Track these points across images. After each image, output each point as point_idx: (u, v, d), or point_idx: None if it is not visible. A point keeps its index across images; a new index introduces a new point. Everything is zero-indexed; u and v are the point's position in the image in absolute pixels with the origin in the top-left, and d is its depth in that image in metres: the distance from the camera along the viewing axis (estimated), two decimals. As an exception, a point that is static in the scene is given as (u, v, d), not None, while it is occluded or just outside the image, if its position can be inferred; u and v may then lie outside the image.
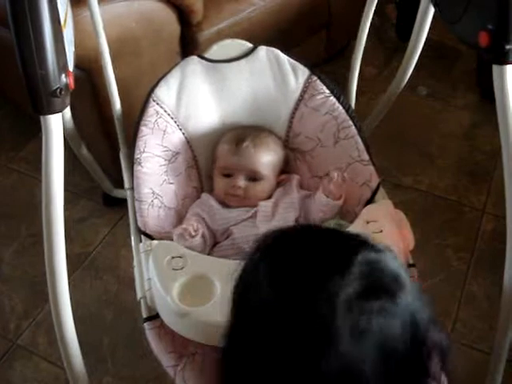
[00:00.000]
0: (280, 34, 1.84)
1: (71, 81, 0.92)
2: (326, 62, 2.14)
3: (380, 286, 0.65)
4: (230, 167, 1.31)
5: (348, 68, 1.99)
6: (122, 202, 1.82)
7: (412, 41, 1.54)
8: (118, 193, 1.83)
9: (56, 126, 0.92)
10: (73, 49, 1.02)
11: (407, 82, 1.66)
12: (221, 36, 1.66)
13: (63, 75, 0.89)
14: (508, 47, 0.94)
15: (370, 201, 1.27)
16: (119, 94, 1.40)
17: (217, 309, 1.03)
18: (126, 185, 1.33)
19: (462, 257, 1.79)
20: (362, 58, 1.76)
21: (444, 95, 2.21)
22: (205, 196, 1.33)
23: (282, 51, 1.39)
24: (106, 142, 1.65)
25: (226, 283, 1.03)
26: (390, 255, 0.68)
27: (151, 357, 1.23)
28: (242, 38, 1.42)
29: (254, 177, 1.31)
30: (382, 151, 1.31)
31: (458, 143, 2.14)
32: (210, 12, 1.69)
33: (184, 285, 1.07)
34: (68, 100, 0.92)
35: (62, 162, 0.95)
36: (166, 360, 1.10)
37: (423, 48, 1.59)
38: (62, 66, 0.89)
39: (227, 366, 0.74)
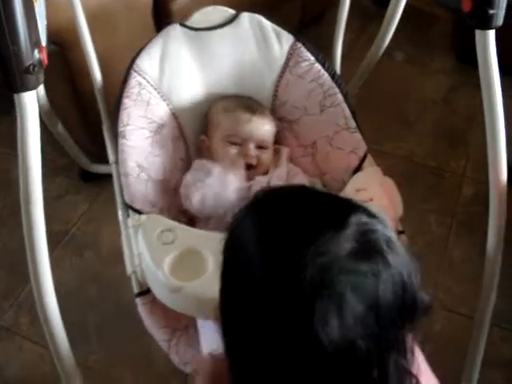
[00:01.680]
0: (256, 4, 1.80)
1: (44, 56, 0.87)
2: (300, 31, 2.12)
3: (372, 247, 0.64)
4: (241, 135, 1.29)
5: (323, 37, 1.97)
6: (100, 177, 1.82)
7: (391, 5, 1.52)
8: (95, 168, 1.81)
9: (30, 103, 0.88)
10: (45, 22, 0.97)
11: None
12: (195, 4, 1.62)
13: (36, 51, 0.85)
14: (491, 12, 0.93)
15: (358, 168, 1.26)
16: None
17: (209, 283, 1.00)
18: (111, 159, 1.29)
19: (443, 221, 1.81)
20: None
21: (421, 60, 2.21)
22: (199, 162, 1.29)
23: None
24: (81, 116, 1.62)
25: (218, 257, 1.04)
26: (381, 220, 0.67)
27: (138, 333, 1.23)
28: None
29: (261, 145, 1.30)
30: (360, 118, 1.30)
31: (436, 108, 2.15)
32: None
33: (175, 259, 1.06)
34: (42, 77, 0.88)
35: (39, 141, 0.91)
36: (158, 334, 1.09)
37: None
38: (35, 42, 0.85)
39: (224, 328, 0.72)
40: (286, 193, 0.73)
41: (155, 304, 1.09)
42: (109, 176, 1.76)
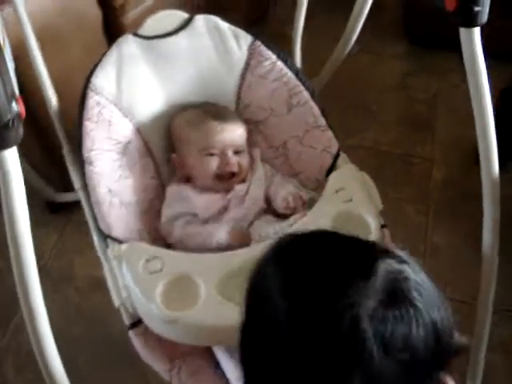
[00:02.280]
0: (205, 7, 1.76)
1: (22, 108, 0.81)
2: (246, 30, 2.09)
3: (402, 297, 0.61)
4: (218, 146, 1.24)
5: (269, 33, 1.94)
6: (66, 207, 1.76)
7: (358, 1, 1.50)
8: (61, 197, 1.74)
9: (12, 160, 0.81)
10: (13, 66, 0.91)
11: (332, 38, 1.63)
12: (147, 16, 1.57)
13: (13, 103, 0.78)
14: (476, 9, 0.92)
15: (332, 167, 1.25)
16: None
17: (205, 310, 1.00)
18: (76, 184, 1.22)
19: (419, 209, 1.81)
20: (283, 20, 1.70)
21: (374, 49, 2.20)
22: (173, 189, 1.25)
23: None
24: (40, 145, 1.55)
25: (209, 280, 1.02)
26: (411, 264, 0.66)
27: (132, 361, 1.17)
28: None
29: (238, 150, 1.26)
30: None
31: (396, 95, 2.15)
32: (132, -9, 1.58)
33: (166, 288, 1.02)
34: (21, 130, 0.81)
35: (25, 199, 0.85)
36: (158, 365, 1.06)
37: (346, 4, 1.55)
38: (11, 93, 0.78)
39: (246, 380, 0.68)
40: (310, 239, 0.70)
41: (149, 334, 1.06)
42: (74, 204, 1.71)
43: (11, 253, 0.87)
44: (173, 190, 1.25)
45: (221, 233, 1.15)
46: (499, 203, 1.13)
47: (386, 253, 0.65)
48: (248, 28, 1.87)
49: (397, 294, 0.61)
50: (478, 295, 1.25)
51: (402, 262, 0.64)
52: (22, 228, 0.85)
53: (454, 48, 2.26)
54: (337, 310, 0.59)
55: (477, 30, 0.95)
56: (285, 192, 1.21)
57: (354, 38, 1.54)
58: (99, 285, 1.56)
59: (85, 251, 1.67)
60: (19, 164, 0.83)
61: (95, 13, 1.52)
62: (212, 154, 1.24)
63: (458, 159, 1.95)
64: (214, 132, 1.24)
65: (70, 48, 1.47)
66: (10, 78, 0.79)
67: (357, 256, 0.64)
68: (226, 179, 1.24)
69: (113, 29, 1.57)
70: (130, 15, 1.58)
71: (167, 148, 1.31)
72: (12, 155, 0.81)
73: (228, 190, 1.23)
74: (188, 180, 1.27)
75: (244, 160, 1.27)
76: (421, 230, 1.76)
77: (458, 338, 0.66)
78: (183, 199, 1.22)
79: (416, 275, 0.64)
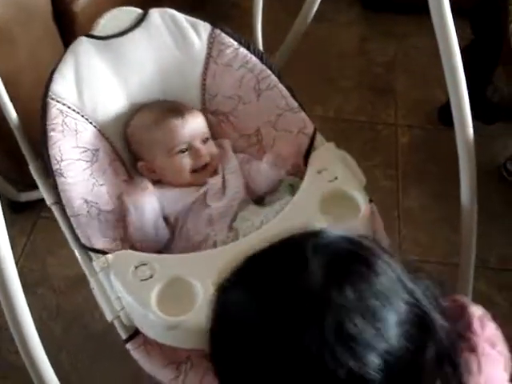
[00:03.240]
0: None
1: None
2: (198, 2, 2.03)
3: (344, 259, 0.64)
4: (185, 140, 1.21)
5: (220, 5, 1.89)
6: (31, 206, 1.69)
7: None
8: (25, 196, 1.68)
9: None
10: None
11: (286, 9, 1.61)
12: (97, 3, 1.49)
13: None
14: None
15: (310, 148, 1.22)
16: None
17: (204, 310, 0.93)
18: (49, 200, 1.16)
19: (389, 174, 1.83)
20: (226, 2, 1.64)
21: (327, 15, 2.18)
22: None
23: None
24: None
25: (204, 279, 0.99)
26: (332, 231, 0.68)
27: (114, 358, 1.15)
28: (121, 1, 1.27)
29: (204, 139, 1.24)
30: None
31: (354, 61, 2.15)
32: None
33: (160, 294, 0.99)
34: None
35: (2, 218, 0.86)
36: (164, 375, 1.02)
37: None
38: None
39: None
40: (246, 267, 0.71)
41: (149, 344, 1.02)
42: (39, 202, 1.65)
43: None
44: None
45: None
46: (475, 162, 1.14)
47: (311, 235, 0.67)
48: (193, 10, 1.83)
49: (336, 260, 0.63)
50: (457, 256, 1.27)
51: (320, 233, 0.67)
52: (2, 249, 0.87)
53: (407, 11, 2.29)
54: (293, 303, 0.61)
55: None
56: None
57: (314, 10, 1.52)
58: (76, 283, 1.55)
59: (57, 250, 1.64)
60: None
61: (44, 2, 1.43)
62: (182, 151, 1.21)
63: (421, 121, 1.98)
64: (178, 128, 1.20)
65: (19, 42, 1.39)
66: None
67: (290, 254, 0.67)
68: (201, 169, 1.22)
69: (63, 18, 1.49)
70: (80, 2, 1.49)
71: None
72: None
73: (202, 184, 1.21)
74: (159, 182, 1.24)
75: (212, 148, 1.24)
76: (392, 196, 1.78)
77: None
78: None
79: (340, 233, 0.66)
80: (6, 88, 1.20)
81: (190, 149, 1.21)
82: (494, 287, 1.60)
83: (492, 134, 1.87)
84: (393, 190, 1.79)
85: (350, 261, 0.63)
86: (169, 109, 1.24)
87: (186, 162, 1.21)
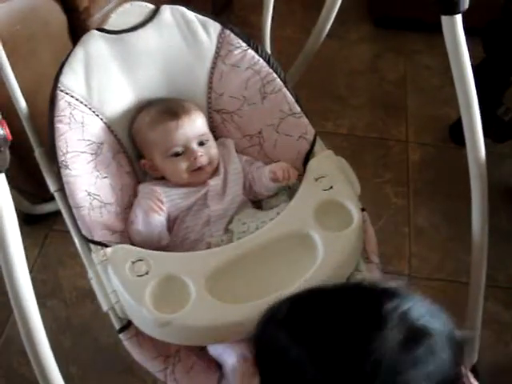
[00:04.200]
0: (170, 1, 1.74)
1: (7, 131, 0.77)
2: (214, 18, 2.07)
3: (416, 331, 0.65)
4: (180, 143, 1.22)
5: (236, 21, 1.91)
6: (43, 218, 1.72)
7: None
8: (39, 209, 1.70)
9: (1, 187, 0.79)
10: None
11: (298, 27, 1.61)
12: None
13: None
14: None
15: (309, 153, 1.25)
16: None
17: (196, 310, 1.00)
18: (53, 187, 1.18)
19: (400, 192, 1.83)
20: (249, 9, 1.65)
21: (338, 32, 2.19)
22: (144, 187, 1.23)
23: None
24: (13, 157, 1.49)
25: (198, 279, 1.02)
26: (414, 298, 0.68)
27: (124, 370, 1.13)
28: None
29: (202, 140, 1.24)
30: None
31: (365, 78, 2.15)
32: (95, -6, 1.50)
33: (155, 290, 1.02)
34: (8, 154, 0.78)
35: (17, 224, 0.84)
36: (152, 366, 1.05)
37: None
38: None
39: None
40: (309, 302, 0.71)
41: (141, 336, 1.05)
42: (52, 215, 1.67)
43: (5, 278, 0.86)
44: (143, 189, 1.22)
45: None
46: (487, 183, 1.14)
47: (386, 292, 0.68)
48: (215, 16, 1.85)
49: (410, 332, 0.63)
50: (465, 274, 1.27)
51: (401, 294, 0.67)
52: (16, 255, 0.85)
53: (417, 29, 2.30)
54: (364, 363, 0.61)
55: (459, 17, 0.95)
56: (274, 165, 1.22)
57: (328, 27, 1.54)
58: (86, 295, 1.58)
59: (68, 262, 1.67)
60: (8, 190, 0.80)
61: (60, 18, 1.46)
62: (178, 154, 1.22)
63: (432, 139, 1.98)
64: (172, 130, 1.22)
65: (37, 57, 1.42)
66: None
67: (362, 306, 0.66)
68: (199, 170, 1.22)
69: (79, 33, 1.50)
70: (96, 18, 1.51)
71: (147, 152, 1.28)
72: (1, 181, 0.79)
73: (203, 184, 1.22)
74: (163, 178, 1.26)
75: (212, 149, 1.25)
76: (403, 213, 1.77)
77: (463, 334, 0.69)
78: (151, 196, 1.18)
79: (416, 303, 0.67)
80: (27, 95, 1.22)
81: (186, 151, 1.22)
82: (502, 306, 1.57)
83: (502, 152, 1.88)
84: (404, 207, 1.79)
85: (421, 342, 0.64)
86: (167, 110, 1.24)
87: (182, 165, 1.22)
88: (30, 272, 1.58)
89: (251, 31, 1.83)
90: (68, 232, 1.14)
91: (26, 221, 1.71)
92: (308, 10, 1.68)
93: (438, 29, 0.98)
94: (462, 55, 0.99)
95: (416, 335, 0.64)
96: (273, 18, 1.61)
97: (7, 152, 0.77)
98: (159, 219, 1.14)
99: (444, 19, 0.95)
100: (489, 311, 1.49)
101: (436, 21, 0.97)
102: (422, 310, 0.66)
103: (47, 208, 1.69)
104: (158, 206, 1.14)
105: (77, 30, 1.51)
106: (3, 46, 1.14)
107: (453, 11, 0.94)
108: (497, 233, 1.29)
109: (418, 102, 2.07)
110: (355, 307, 0.66)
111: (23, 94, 1.19)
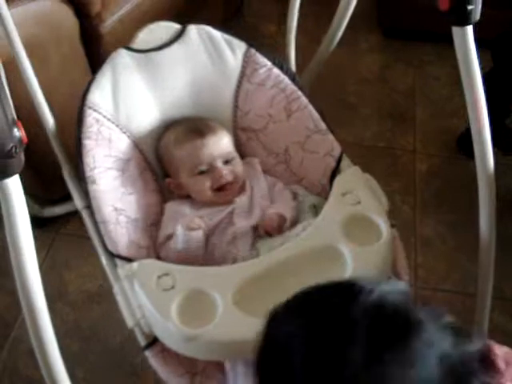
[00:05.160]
0: (183, 6, 1.76)
1: (23, 133, 0.77)
2: (224, 26, 2.07)
3: (389, 336, 0.63)
4: (205, 161, 1.23)
5: (247, 28, 1.91)
6: (52, 221, 1.72)
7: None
8: (48, 212, 1.69)
9: (16, 189, 0.79)
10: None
11: (308, 36, 1.62)
12: (124, 23, 1.55)
13: (15, 129, 0.75)
14: (470, 8, 0.91)
15: (336, 170, 1.25)
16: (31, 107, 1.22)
17: (224, 324, 0.99)
18: (79, 205, 1.20)
19: (407, 201, 1.83)
20: (259, 16, 1.65)
21: (348, 41, 2.20)
22: (171, 207, 1.24)
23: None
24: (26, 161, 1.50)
25: (224, 293, 1.01)
26: (387, 287, 0.67)
27: (131, 373, 1.13)
28: (147, 20, 1.31)
29: (227, 159, 1.25)
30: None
31: (374, 88, 2.17)
32: (107, 0, 1.53)
33: (181, 305, 1.01)
34: (23, 156, 0.78)
35: (30, 228, 0.85)
36: (179, 383, 1.03)
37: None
38: (12, 119, 0.75)
39: None
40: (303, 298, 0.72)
41: (167, 353, 1.04)
42: (60, 218, 1.68)
43: (16, 279, 0.86)
44: (171, 207, 1.23)
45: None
46: (495, 195, 1.13)
47: (358, 290, 0.67)
48: (225, 23, 1.86)
49: (381, 339, 0.62)
50: (471, 285, 1.27)
51: (374, 291, 0.66)
52: (28, 257, 0.85)
53: (426, 39, 2.31)
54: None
55: (470, 29, 0.95)
56: (268, 213, 1.20)
57: (339, 36, 1.55)
58: (93, 298, 1.57)
59: (75, 265, 1.66)
60: (22, 192, 0.80)
61: (72, 23, 1.47)
62: (203, 172, 1.23)
63: (440, 149, 1.98)
64: (197, 149, 1.23)
65: (49, 61, 1.43)
66: (9, 102, 0.76)
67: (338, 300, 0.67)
68: (225, 189, 1.23)
69: (90, 38, 1.53)
70: (108, 23, 1.54)
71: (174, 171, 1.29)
72: (15, 183, 0.79)
73: (229, 203, 1.22)
74: (189, 196, 1.26)
75: (237, 167, 1.26)
76: (410, 223, 1.78)
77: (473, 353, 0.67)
78: (180, 217, 1.19)
79: (395, 302, 0.66)
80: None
81: (211, 169, 1.23)
82: (508, 317, 1.59)
83: (510, 162, 1.87)
84: (410, 217, 1.79)
85: (395, 334, 0.63)
86: (192, 129, 1.26)
87: (207, 183, 1.22)
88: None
89: (261, 40, 1.85)
90: (75, 235, 1.15)
91: (34, 223, 1.71)
92: (319, 18, 1.69)
93: (447, 40, 0.99)
94: (473, 66, 0.99)
95: (387, 345, 0.63)
96: (283, 26, 1.61)
97: (22, 154, 0.77)
98: (199, 234, 1.14)
99: (455, 30, 0.95)
100: (495, 322, 1.47)
101: (445, 32, 0.97)
102: (397, 303, 0.66)
103: (56, 211, 1.69)
104: (198, 223, 1.15)
105: (88, 35, 1.53)
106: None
107: (464, 22, 0.94)
108: (504, 244, 1.27)
109: (426, 113, 2.08)
110: (332, 308, 0.67)
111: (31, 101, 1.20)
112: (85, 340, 1.54)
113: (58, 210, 1.66)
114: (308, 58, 1.69)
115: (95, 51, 1.53)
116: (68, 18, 1.46)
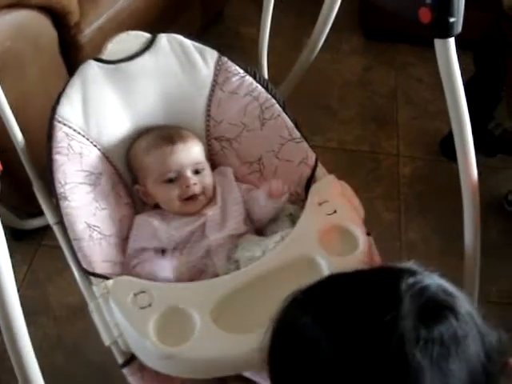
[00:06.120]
0: (161, 13, 1.74)
1: None
2: (203, 33, 2.04)
3: (436, 306, 0.63)
4: (173, 169, 1.21)
5: (226, 35, 1.88)
6: (32, 233, 1.69)
7: (325, 6, 1.49)
8: (27, 224, 1.67)
9: None
10: None
11: (290, 39, 1.58)
12: (103, 33, 1.52)
13: None
14: (452, 20, 0.91)
15: (311, 178, 1.24)
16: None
17: (201, 342, 0.97)
18: (51, 220, 1.17)
19: (391, 206, 1.83)
20: (239, 20, 1.63)
21: (330, 43, 2.19)
22: (140, 220, 1.21)
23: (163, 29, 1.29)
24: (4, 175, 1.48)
25: (202, 310, 1.00)
26: (427, 274, 0.69)
27: None
28: (126, 29, 1.29)
29: (197, 169, 1.23)
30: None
31: (356, 91, 2.15)
32: (86, 9, 1.50)
33: (159, 322, 0.99)
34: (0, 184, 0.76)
35: (7, 254, 0.87)
36: None
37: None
38: None
39: None
40: (329, 287, 0.70)
41: (145, 370, 1.03)
42: (41, 229, 1.66)
43: None
44: (140, 220, 1.21)
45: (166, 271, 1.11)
46: (478, 200, 1.13)
47: (401, 270, 0.67)
48: (205, 28, 1.84)
49: (428, 306, 0.62)
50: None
51: (417, 273, 0.67)
52: (7, 284, 0.86)
53: (409, 41, 2.30)
54: (379, 341, 0.60)
55: (452, 41, 0.95)
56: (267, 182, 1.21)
57: (320, 45, 1.54)
58: (76, 312, 1.55)
59: (57, 279, 1.64)
60: None
61: (50, 33, 1.44)
62: (171, 180, 1.21)
63: (423, 152, 1.98)
64: (167, 155, 1.21)
65: (26, 72, 1.40)
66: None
67: (377, 288, 0.66)
68: (191, 199, 1.21)
69: (69, 48, 1.50)
70: (86, 33, 1.51)
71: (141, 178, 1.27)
72: None
73: (198, 213, 1.20)
74: (159, 206, 1.25)
75: (206, 179, 1.24)
76: (394, 228, 1.77)
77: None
78: (149, 231, 1.18)
79: (433, 278, 0.67)
80: (14, 113, 1.19)
81: (179, 178, 1.21)
82: (495, 320, 1.58)
83: (493, 166, 1.88)
84: (394, 222, 1.79)
85: (442, 315, 0.63)
86: (162, 136, 1.24)
87: (174, 192, 1.20)
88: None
89: (242, 43, 1.83)
90: (57, 248, 1.13)
91: (15, 236, 1.69)
92: (300, 21, 1.67)
93: (429, 42, 0.97)
94: (454, 76, 0.98)
95: (434, 312, 0.62)
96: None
97: None
98: (166, 273, 1.11)
99: (437, 42, 0.95)
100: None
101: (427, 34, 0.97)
102: (438, 287, 0.66)
103: (36, 223, 1.66)
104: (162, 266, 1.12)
105: (67, 45, 1.50)
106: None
107: (446, 35, 0.93)
108: (488, 247, 1.27)
109: (409, 115, 2.08)
110: (373, 287, 0.66)
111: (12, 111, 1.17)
112: (69, 354, 1.52)
113: (38, 222, 1.63)
114: (290, 60, 1.68)
115: (74, 61, 1.49)
116: (46, 29, 1.43)
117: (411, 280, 0.64)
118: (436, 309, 0.63)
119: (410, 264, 0.71)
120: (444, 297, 0.64)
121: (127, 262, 1.16)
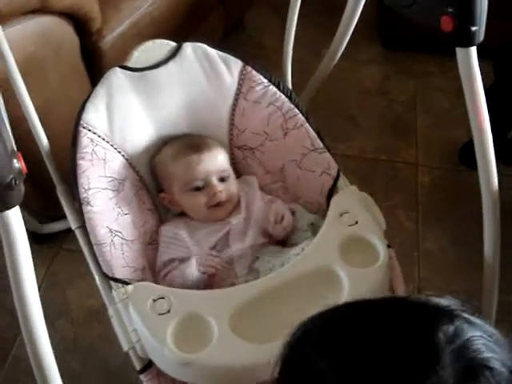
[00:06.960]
0: (183, 20, 1.75)
1: (23, 164, 0.77)
2: (224, 40, 2.05)
3: (477, 365, 0.56)
4: (199, 177, 1.22)
5: (246, 43, 1.89)
6: (52, 237, 1.71)
7: (345, 16, 1.50)
8: (47, 228, 1.69)
9: (16, 221, 0.78)
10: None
11: (309, 48, 1.58)
12: (125, 39, 1.54)
13: (15, 160, 0.75)
14: (474, 29, 0.91)
15: (333, 188, 1.23)
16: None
17: (219, 350, 0.97)
18: (73, 224, 1.18)
19: (409, 215, 1.82)
20: (260, 29, 1.63)
21: (348, 53, 2.19)
22: (166, 231, 1.22)
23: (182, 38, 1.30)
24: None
25: (221, 317, 1.00)
26: (467, 318, 0.60)
27: None
28: (148, 35, 1.32)
29: (223, 177, 1.24)
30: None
31: (375, 99, 2.15)
32: (108, 15, 1.51)
33: (177, 329, 1.00)
34: (23, 187, 0.77)
35: (30, 258, 0.83)
36: None
37: (314, 8, 1.53)
38: (11, 150, 0.74)
39: None
40: (346, 319, 0.62)
41: (162, 377, 1.03)
42: (61, 233, 1.67)
43: (18, 311, 0.85)
44: (166, 232, 1.22)
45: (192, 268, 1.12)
46: (499, 208, 1.13)
47: (438, 314, 0.59)
48: (226, 37, 1.85)
49: (469, 364, 0.56)
50: (476, 298, 1.25)
51: (455, 317, 0.59)
52: (29, 288, 0.84)
53: (427, 50, 2.29)
54: None
55: (473, 49, 0.94)
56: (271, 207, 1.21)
57: (341, 50, 1.54)
58: (94, 316, 1.56)
59: (76, 282, 1.65)
60: (22, 223, 0.79)
61: (72, 39, 1.46)
62: (197, 188, 1.22)
63: (442, 161, 1.97)
64: (193, 165, 1.22)
65: (48, 78, 1.42)
66: (8, 134, 0.75)
67: (409, 332, 0.58)
68: (218, 206, 1.22)
69: (91, 55, 1.52)
70: (108, 39, 1.52)
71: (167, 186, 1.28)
72: (15, 215, 0.78)
73: (223, 220, 1.21)
74: (183, 213, 1.26)
75: (232, 186, 1.25)
76: (412, 237, 1.76)
77: None
78: (177, 243, 1.19)
79: (476, 328, 0.59)
80: (38, 116, 1.22)
81: (206, 185, 1.22)
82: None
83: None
84: (412, 231, 1.78)
85: (481, 374, 0.56)
86: (189, 144, 1.25)
87: (201, 198, 1.22)
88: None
89: (262, 52, 1.84)
90: (77, 251, 1.14)
91: (35, 240, 1.71)
92: (319, 29, 1.67)
93: (448, 50, 0.97)
94: (476, 85, 0.98)
95: (474, 373, 0.55)
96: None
97: (22, 185, 0.77)
98: (191, 268, 1.13)
99: (459, 51, 0.95)
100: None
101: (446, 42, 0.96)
102: (481, 340, 0.58)
103: (56, 227, 1.68)
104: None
105: (89, 52, 1.52)
106: (19, 64, 1.15)
107: (468, 43, 0.93)
108: (506, 256, 1.25)
109: (427, 124, 2.07)
110: (401, 328, 0.58)
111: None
112: (86, 357, 1.53)
113: (58, 226, 1.65)
114: (309, 70, 1.68)
115: (96, 68, 1.51)
116: (68, 35, 1.45)
117: (451, 330, 0.57)
118: (477, 368, 0.56)
119: (448, 300, 0.62)
120: (486, 354, 0.57)
121: (157, 274, 1.17)
